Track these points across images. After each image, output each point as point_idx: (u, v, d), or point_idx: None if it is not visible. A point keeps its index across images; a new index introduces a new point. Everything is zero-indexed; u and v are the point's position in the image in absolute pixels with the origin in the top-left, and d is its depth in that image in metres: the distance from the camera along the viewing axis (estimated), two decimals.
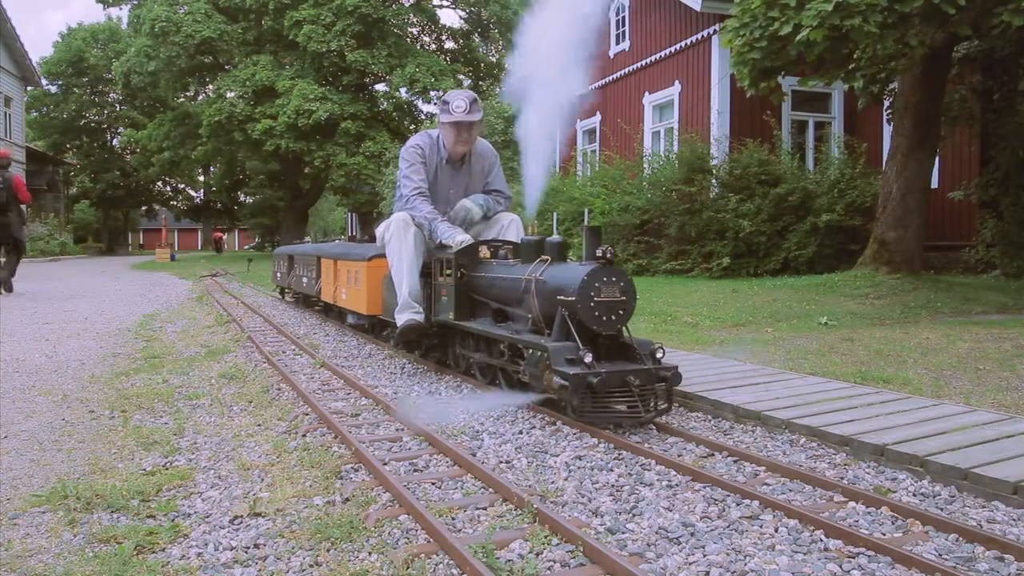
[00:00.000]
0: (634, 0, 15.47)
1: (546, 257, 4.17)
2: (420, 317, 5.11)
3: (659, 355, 3.74)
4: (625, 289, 3.80)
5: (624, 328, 3.86)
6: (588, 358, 3.53)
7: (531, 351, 3.87)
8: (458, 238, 4.85)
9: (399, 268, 5.13)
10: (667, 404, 3.73)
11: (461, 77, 30.57)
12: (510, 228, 5.36)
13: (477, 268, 4.78)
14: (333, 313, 8.32)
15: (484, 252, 4.92)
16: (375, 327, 6.77)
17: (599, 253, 3.76)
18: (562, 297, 3.79)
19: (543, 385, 3.71)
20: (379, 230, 5.59)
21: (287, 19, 25.97)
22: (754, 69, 7.99)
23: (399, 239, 5.13)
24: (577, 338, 3.68)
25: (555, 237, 4.26)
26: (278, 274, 11.55)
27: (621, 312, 3.79)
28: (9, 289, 10.61)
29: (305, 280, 9.35)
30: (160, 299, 11.94)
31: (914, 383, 4.36)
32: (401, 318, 5.13)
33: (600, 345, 3.79)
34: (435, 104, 28.70)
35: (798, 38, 7.02)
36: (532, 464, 3.19)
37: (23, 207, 10.43)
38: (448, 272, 4.83)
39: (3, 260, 10.18)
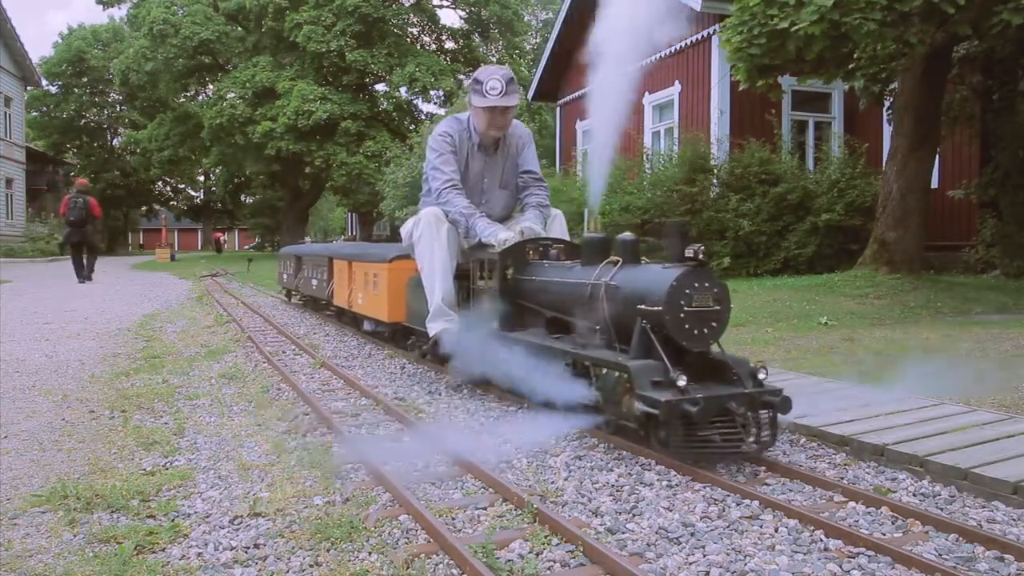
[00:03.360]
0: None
1: (616, 258, 3.59)
2: (455, 326, 4.53)
3: (761, 376, 3.18)
4: (719, 296, 3.26)
5: (716, 343, 3.31)
6: (682, 381, 2.97)
7: (605, 370, 3.29)
8: (501, 235, 4.29)
9: (430, 270, 4.57)
10: (771, 434, 3.17)
11: (461, 77, 30.58)
12: (554, 224, 4.76)
13: (525, 270, 4.19)
14: (346, 318, 7.78)
15: (531, 252, 4.33)
16: (396, 335, 6.19)
17: (689, 253, 3.20)
18: (644, 306, 3.22)
19: (620, 411, 3.19)
20: (405, 228, 5.02)
21: (287, 21, 25.98)
22: (751, 66, 8.00)
23: (431, 237, 4.55)
24: (664, 355, 3.12)
25: (626, 235, 3.67)
26: (284, 275, 11.02)
27: (714, 324, 3.24)
28: (90, 279, 14.22)
29: (315, 283, 8.85)
30: (160, 299, 11.94)
31: (911, 382, 4.36)
32: (434, 327, 4.59)
33: (687, 363, 3.21)
34: (435, 103, 28.76)
35: (794, 29, 7.02)
36: (532, 464, 3.19)
37: (96, 222, 14.44)
38: (490, 275, 4.28)
39: (84, 259, 14.06)
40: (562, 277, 3.91)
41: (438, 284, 4.54)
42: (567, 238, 4.63)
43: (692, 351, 3.21)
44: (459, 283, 4.64)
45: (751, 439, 3.08)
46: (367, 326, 6.80)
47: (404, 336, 5.93)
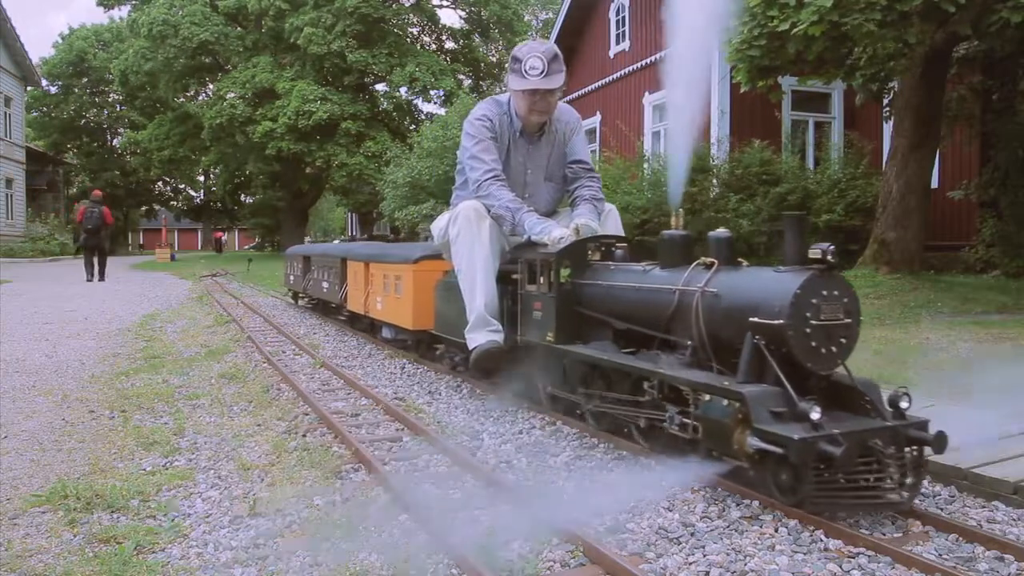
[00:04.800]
0: (634, 0, 15.48)
1: (708, 260, 3.04)
2: (500, 337, 3.98)
3: (903, 404, 2.61)
4: (850, 308, 2.70)
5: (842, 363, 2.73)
6: (816, 414, 2.43)
7: (709, 398, 2.71)
8: (555, 233, 3.73)
9: (470, 273, 4.01)
10: (917, 479, 2.57)
11: (461, 77, 30.60)
12: (608, 220, 4.22)
13: (586, 273, 3.66)
14: (362, 324, 7.18)
15: (593, 252, 3.81)
16: (420, 344, 5.65)
17: (815, 253, 2.63)
18: (758, 319, 2.67)
19: (726, 448, 2.61)
20: (437, 225, 4.51)
21: (288, 25, 26.00)
22: (752, 67, 8.00)
23: (471, 235, 4.00)
24: (785, 380, 2.57)
25: (720, 232, 3.13)
26: (291, 277, 10.45)
27: (844, 340, 2.68)
28: (102, 279, 15.34)
29: (325, 285, 8.28)
30: (160, 299, 11.94)
31: (914, 383, 4.35)
32: (475, 339, 4.01)
33: (808, 388, 2.66)
34: (435, 103, 28.75)
35: (795, 31, 7.03)
36: (532, 464, 3.19)
37: (108, 228, 15.95)
38: (542, 278, 3.72)
39: (95, 261, 15.32)
40: (637, 282, 3.35)
41: (479, 289, 3.98)
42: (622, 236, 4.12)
43: (817, 374, 2.66)
44: (500, 288, 4.09)
45: (897, 485, 2.52)
46: (386, 333, 6.26)
47: (429, 345, 5.47)
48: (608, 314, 3.51)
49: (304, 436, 3.69)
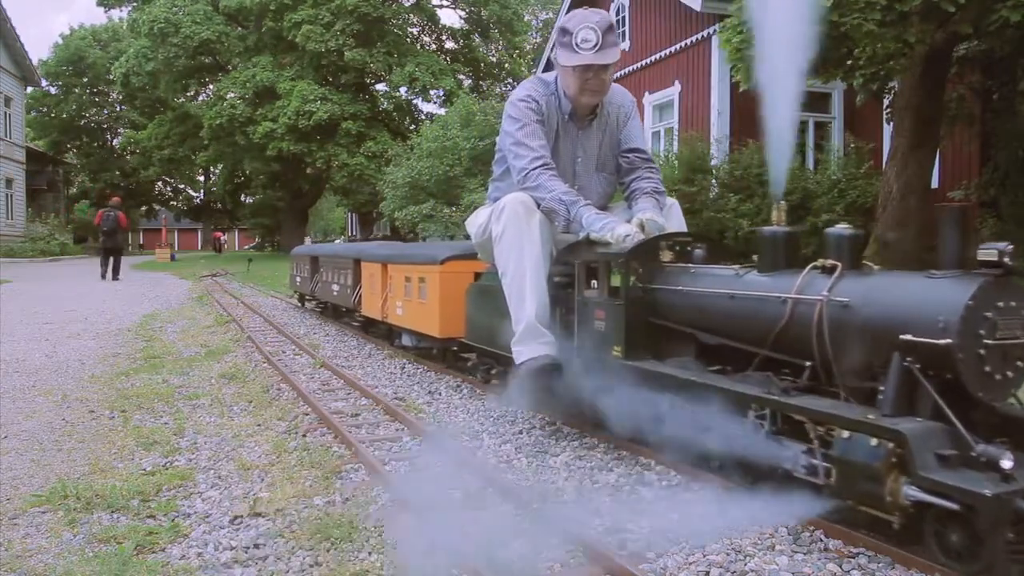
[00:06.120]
0: (634, 0, 15.49)
1: (830, 263, 2.50)
2: (554, 350, 3.46)
3: None
4: None
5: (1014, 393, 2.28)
6: (1008, 462, 1.96)
7: (849, 435, 2.19)
8: (619, 230, 3.21)
9: (518, 276, 3.48)
10: None
11: (461, 77, 30.61)
12: (670, 217, 3.68)
13: (661, 277, 3.14)
14: (378, 331, 6.69)
15: (667, 252, 3.30)
16: (446, 353, 5.23)
17: (988, 255, 2.16)
18: (911, 337, 2.17)
19: (871, 498, 2.14)
20: (475, 220, 3.93)
21: (287, 20, 26.01)
22: (751, 66, 8.00)
23: (518, 232, 3.47)
24: (951, 414, 2.10)
25: (842, 227, 2.61)
26: (298, 279, 9.95)
27: (1021, 364, 2.22)
28: (116, 278, 16.42)
29: (336, 288, 7.79)
30: (160, 299, 11.94)
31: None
32: (525, 352, 3.47)
33: (972, 422, 2.18)
34: (435, 102, 28.76)
35: None
36: (532, 464, 3.19)
37: (122, 231, 17.80)
38: (606, 282, 3.24)
39: (110, 261, 16.58)
40: (731, 288, 2.80)
41: (529, 295, 3.46)
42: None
43: (986, 404, 2.19)
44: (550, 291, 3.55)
45: None
46: (406, 340, 5.75)
47: (457, 355, 5.08)
48: (691, 326, 2.98)
49: (304, 436, 3.69)
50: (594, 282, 3.28)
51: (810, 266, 2.57)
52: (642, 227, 3.30)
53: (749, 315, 2.72)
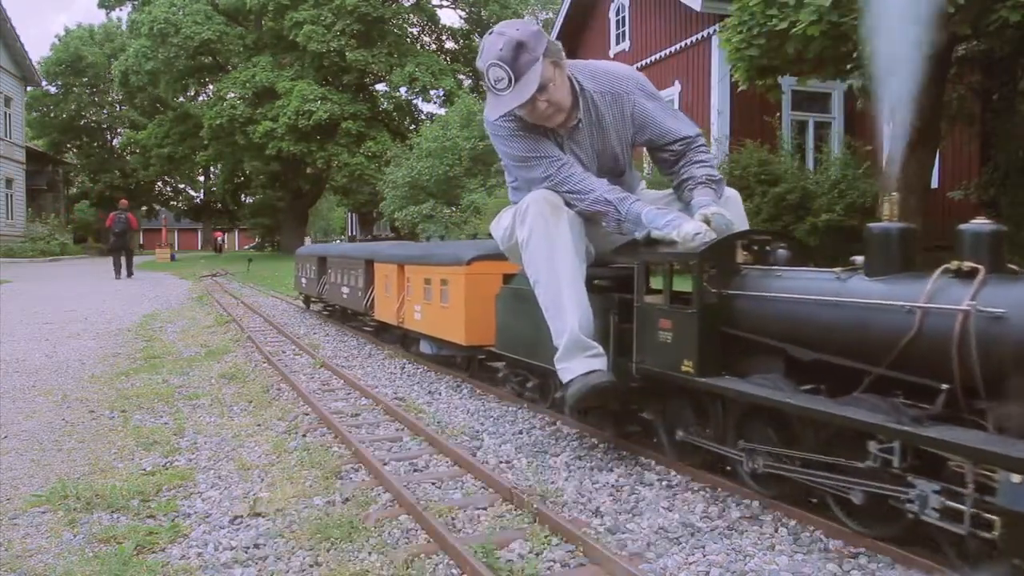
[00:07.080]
0: (634, 0, 15.49)
1: (967, 265, 2.09)
2: (605, 363, 3.07)
3: None
4: None
5: None
6: None
7: (1020, 479, 1.78)
8: (685, 228, 2.80)
9: (553, 284, 3.09)
10: None
11: (461, 77, 30.62)
12: (731, 209, 3.15)
13: (738, 281, 2.71)
14: (391, 337, 6.33)
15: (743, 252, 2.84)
16: (471, 363, 4.85)
17: None
18: None
19: None
20: (499, 225, 3.49)
21: (287, 20, 26.03)
22: (751, 66, 8.01)
23: (547, 235, 3.08)
24: None
25: (980, 223, 2.18)
26: (303, 280, 9.58)
27: None
28: (130, 276, 17.34)
29: (346, 291, 7.39)
30: (160, 299, 11.95)
31: None
32: (572, 368, 3.07)
33: None
34: (435, 103, 28.80)
35: (794, 31, 7.04)
36: (532, 464, 3.19)
37: (133, 232, 18.17)
38: (670, 287, 2.87)
39: (123, 260, 17.36)
40: (835, 295, 2.41)
41: (569, 304, 3.06)
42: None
43: None
44: (594, 297, 3.16)
45: None
46: (425, 348, 5.35)
47: (483, 364, 4.74)
48: (779, 338, 2.54)
49: (304, 436, 3.69)
50: (690, 284, 2.76)
51: (941, 268, 2.16)
52: (707, 220, 2.87)
53: (860, 327, 2.30)
